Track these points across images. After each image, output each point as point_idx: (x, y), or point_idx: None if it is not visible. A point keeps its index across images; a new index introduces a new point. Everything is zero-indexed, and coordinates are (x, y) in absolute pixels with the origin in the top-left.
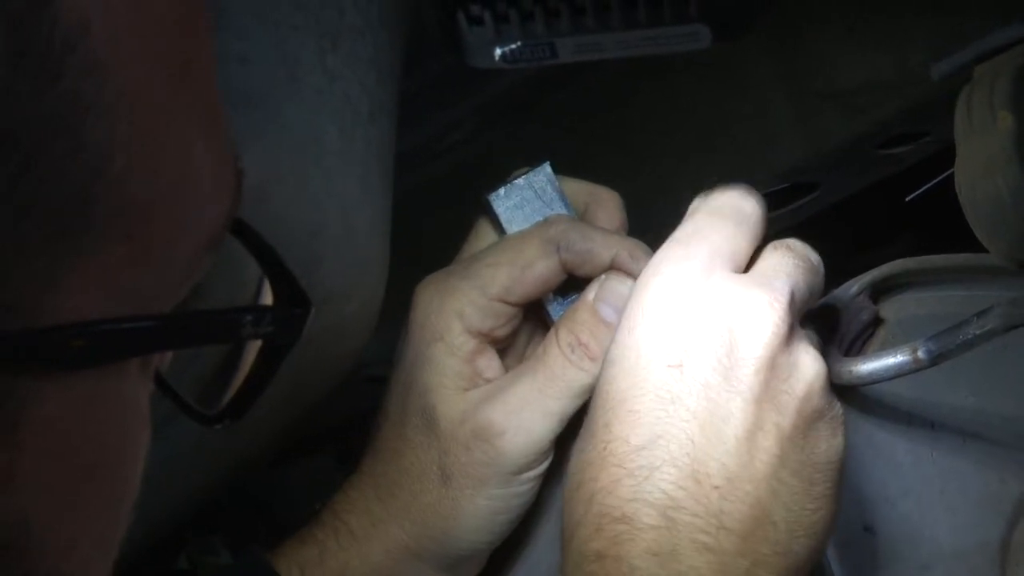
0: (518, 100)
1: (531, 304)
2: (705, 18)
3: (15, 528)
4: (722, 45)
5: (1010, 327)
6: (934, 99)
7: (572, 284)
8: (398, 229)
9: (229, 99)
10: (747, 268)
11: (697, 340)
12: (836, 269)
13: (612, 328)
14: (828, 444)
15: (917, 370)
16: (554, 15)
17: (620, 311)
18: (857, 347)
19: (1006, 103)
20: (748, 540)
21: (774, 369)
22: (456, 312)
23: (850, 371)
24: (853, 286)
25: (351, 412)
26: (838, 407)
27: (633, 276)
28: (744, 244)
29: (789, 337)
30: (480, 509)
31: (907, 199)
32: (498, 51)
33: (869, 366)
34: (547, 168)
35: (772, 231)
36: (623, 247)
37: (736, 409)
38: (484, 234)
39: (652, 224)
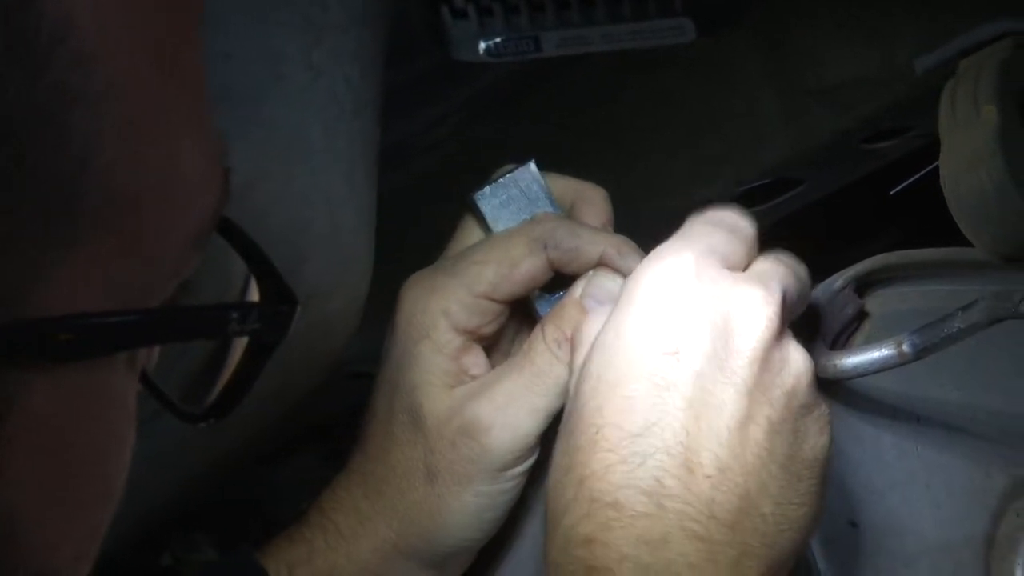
0: (504, 95)
1: (518, 301)
2: (690, 12)
3: (2, 523)
4: (707, 39)
5: (994, 321)
6: (919, 94)
7: (559, 281)
8: (383, 225)
9: (213, 96)
10: None
11: (693, 329)
12: (821, 264)
13: (604, 314)
14: (815, 441)
15: (902, 364)
16: (538, 8)
17: (608, 307)
18: (842, 341)
19: (990, 97)
20: (737, 531)
21: (767, 362)
22: (442, 310)
23: (835, 365)
24: (838, 280)
25: (337, 409)
26: (824, 406)
27: (621, 272)
28: (739, 250)
29: (780, 332)
30: (467, 506)
31: (891, 193)
32: (482, 45)
33: (854, 360)
34: (532, 166)
35: (759, 227)
36: (610, 244)
37: (729, 400)
38: (469, 232)
39: (639, 220)
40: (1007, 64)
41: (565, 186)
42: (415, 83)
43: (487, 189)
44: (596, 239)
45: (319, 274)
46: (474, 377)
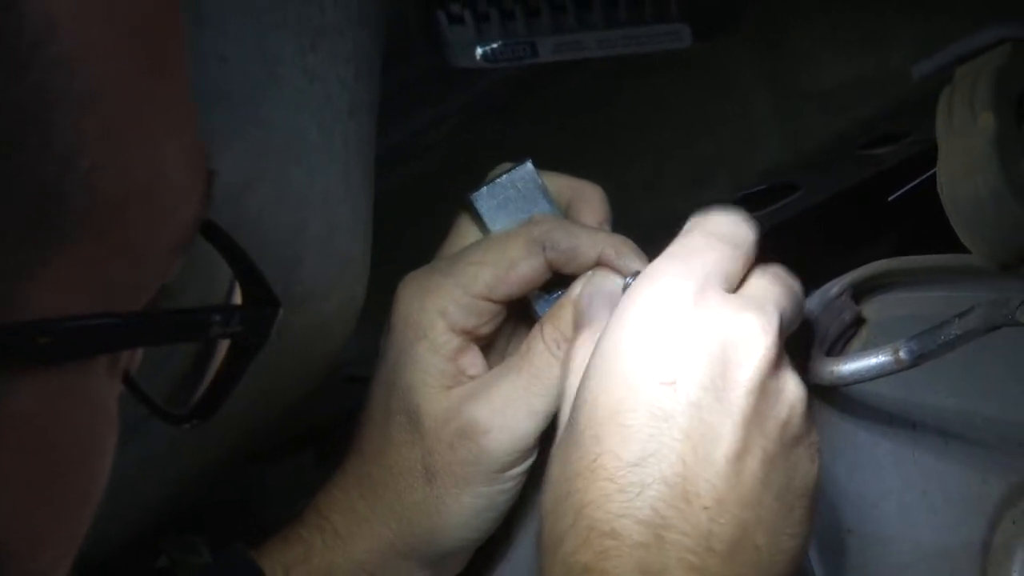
0: (501, 98)
1: (515, 301)
2: (686, 17)
3: None
4: (703, 45)
5: (991, 328)
6: (916, 98)
7: (558, 280)
8: (381, 227)
9: (209, 98)
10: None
11: (691, 359)
12: (818, 270)
13: (598, 324)
14: (807, 470)
15: (899, 371)
16: (535, 14)
17: (607, 308)
18: (839, 347)
19: (987, 104)
20: (733, 562)
21: (763, 393)
22: (439, 310)
23: (832, 371)
24: (835, 286)
25: (333, 411)
26: (815, 433)
27: (620, 273)
28: (738, 267)
29: (777, 362)
30: (465, 507)
31: (890, 199)
32: (479, 50)
33: (851, 366)
34: (529, 165)
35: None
36: (609, 244)
37: (726, 431)
38: (466, 232)
39: (637, 223)
40: (1004, 71)
41: (562, 184)
42: (412, 86)
43: (484, 189)
44: (594, 239)
45: (315, 275)
46: (471, 378)
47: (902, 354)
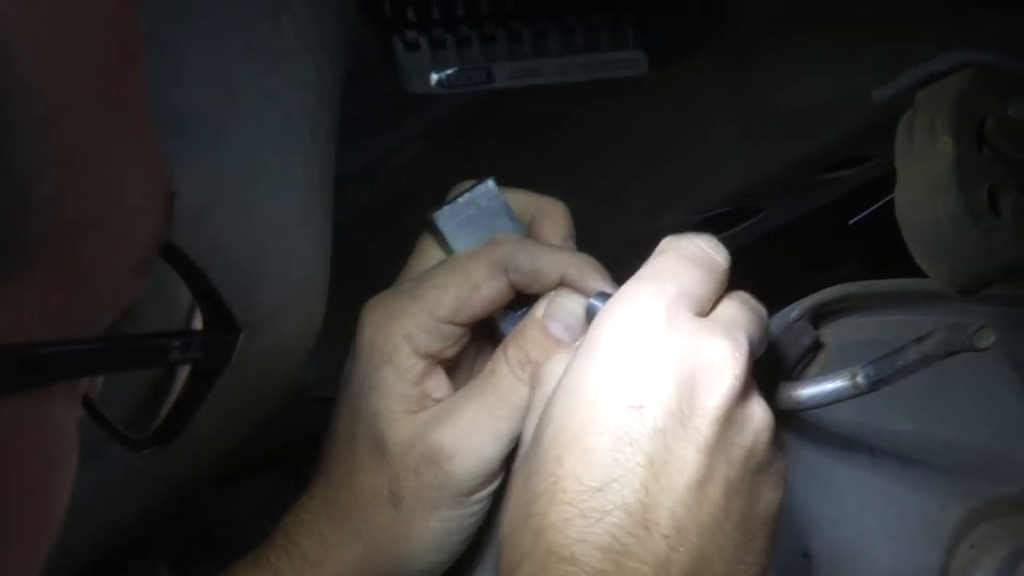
0: (463, 122)
1: (481, 320)
2: (642, 45)
3: None
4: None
5: (949, 353)
6: (877, 123)
7: (524, 297)
8: (343, 250)
9: (167, 122)
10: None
11: (659, 384)
12: (778, 293)
13: (562, 345)
14: (770, 498)
15: (856, 395)
16: (490, 40)
17: (570, 328)
18: (797, 372)
19: (947, 129)
20: None
21: (729, 421)
22: (404, 334)
23: (790, 396)
24: (794, 311)
25: (299, 433)
26: (781, 461)
27: (583, 293)
28: (711, 292)
29: (745, 389)
30: (432, 531)
31: (850, 222)
32: (434, 76)
33: (809, 391)
34: (490, 183)
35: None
36: (572, 264)
37: (690, 459)
38: (428, 252)
39: (599, 246)
40: (964, 96)
41: (525, 201)
42: (375, 110)
43: (446, 208)
44: (557, 260)
45: (274, 298)
46: (437, 401)
47: (860, 379)
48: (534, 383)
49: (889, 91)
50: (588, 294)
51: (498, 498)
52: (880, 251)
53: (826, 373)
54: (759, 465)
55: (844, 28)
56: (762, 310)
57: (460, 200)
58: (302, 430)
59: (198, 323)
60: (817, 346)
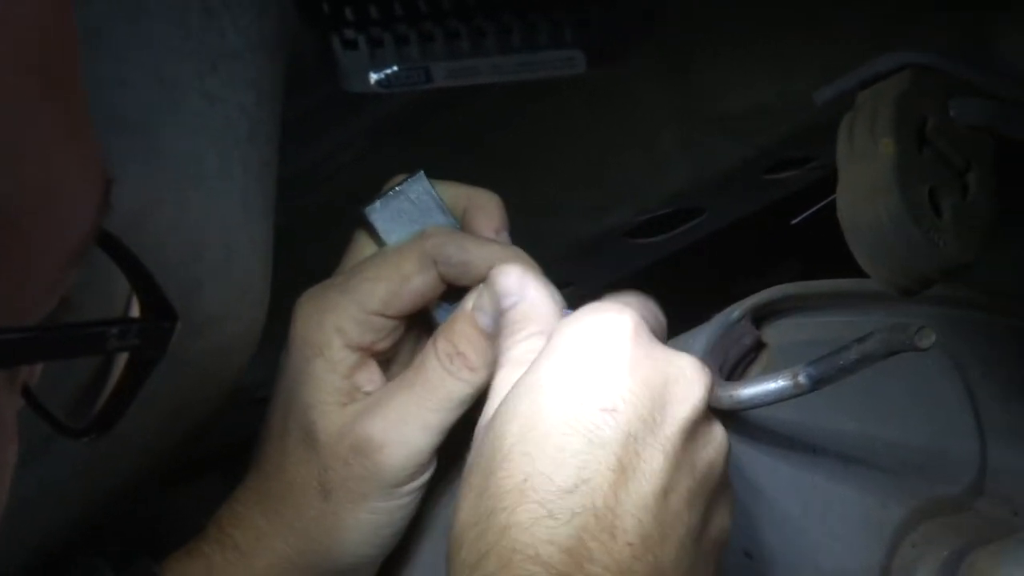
0: (406, 122)
1: (415, 314)
2: (580, 44)
3: None
4: (598, 71)
5: (890, 353)
6: (819, 125)
7: (458, 290)
8: (287, 251)
9: (107, 122)
10: None
11: (632, 389)
12: (720, 293)
13: (491, 337)
14: (722, 522)
15: (798, 395)
16: (429, 39)
17: (498, 320)
18: (739, 372)
19: (888, 130)
20: None
21: (695, 434)
22: (335, 327)
23: (731, 396)
24: (735, 311)
25: (240, 433)
26: (732, 488)
27: (509, 286)
28: (659, 332)
29: (708, 408)
30: (362, 523)
31: (792, 223)
32: (373, 76)
33: (750, 391)
34: (421, 176)
35: (660, 256)
36: (501, 258)
37: (658, 466)
38: (363, 247)
39: (542, 244)
40: (905, 97)
41: (457, 193)
42: (318, 110)
43: (378, 203)
44: (486, 253)
45: (215, 299)
46: (368, 394)
47: (801, 379)
48: (501, 361)
49: (830, 92)
50: (506, 287)
51: (428, 495)
52: (822, 252)
53: (768, 373)
54: (717, 484)
55: (785, 31)
56: None
57: (391, 194)
58: (245, 430)
59: (136, 315)
60: (759, 346)
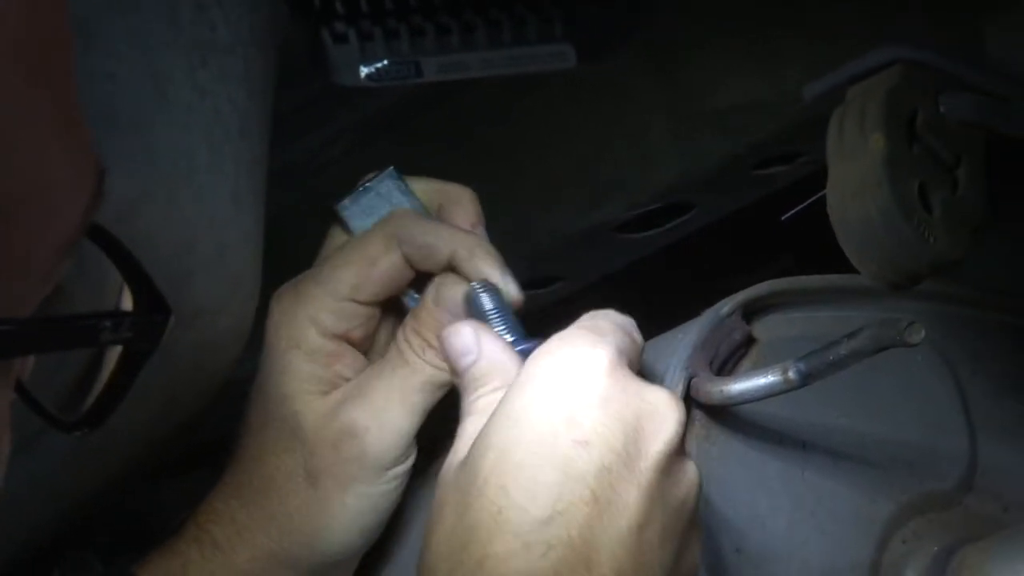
0: (396, 116)
1: (391, 303)
2: (570, 38)
3: None
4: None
5: (880, 348)
6: (808, 120)
7: (428, 278)
8: (276, 245)
9: (98, 117)
10: None
11: (606, 423)
12: (710, 289)
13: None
14: (692, 558)
15: (788, 390)
16: (419, 34)
17: (457, 316)
18: (729, 367)
19: (877, 125)
20: None
21: (669, 470)
22: (310, 318)
23: (721, 391)
24: (725, 306)
25: (229, 427)
26: (702, 527)
27: (467, 277)
28: (636, 359)
29: (681, 443)
30: (348, 509)
31: (783, 219)
32: (363, 70)
33: (740, 386)
34: (392, 172)
35: (649, 251)
36: (462, 245)
37: (632, 500)
38: (337, 242)
39: (532, 239)
40: (895, 92)
41: (430, 188)
42: (308, 105)
43: (348, 199)
44: (448, 237)
45: (205, 294)
46: (348, 380)
47: (791, 374)
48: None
49: (820, 87)
50: (473, 277)
51: (409, 491)
52: (812, 247)
53: (758, 368)
54: (689, 519)
55: (775, 26)
56: None
57: (362, 189)
58: (234, 425)
59: (128, 308)
60: (749, 341)
